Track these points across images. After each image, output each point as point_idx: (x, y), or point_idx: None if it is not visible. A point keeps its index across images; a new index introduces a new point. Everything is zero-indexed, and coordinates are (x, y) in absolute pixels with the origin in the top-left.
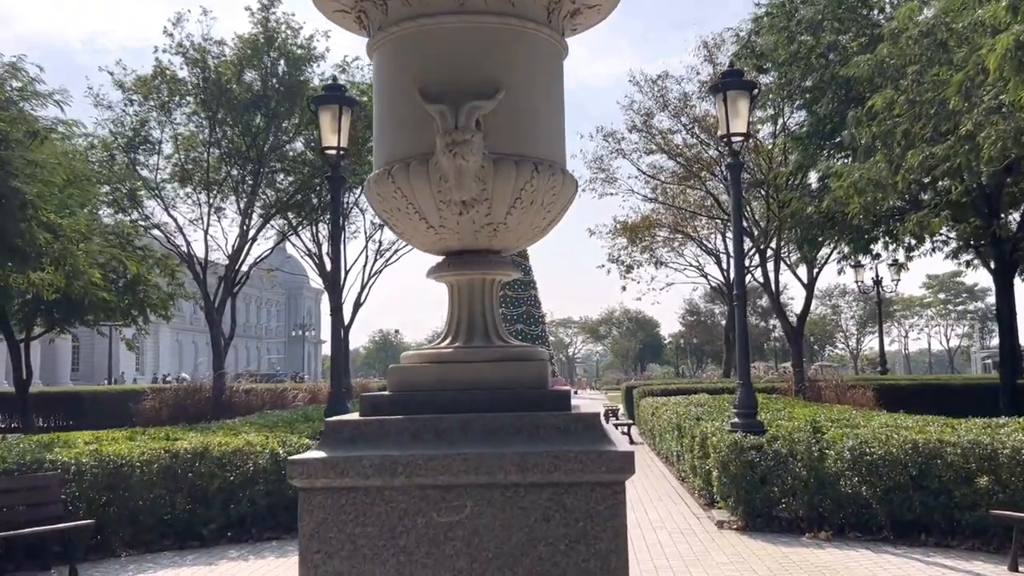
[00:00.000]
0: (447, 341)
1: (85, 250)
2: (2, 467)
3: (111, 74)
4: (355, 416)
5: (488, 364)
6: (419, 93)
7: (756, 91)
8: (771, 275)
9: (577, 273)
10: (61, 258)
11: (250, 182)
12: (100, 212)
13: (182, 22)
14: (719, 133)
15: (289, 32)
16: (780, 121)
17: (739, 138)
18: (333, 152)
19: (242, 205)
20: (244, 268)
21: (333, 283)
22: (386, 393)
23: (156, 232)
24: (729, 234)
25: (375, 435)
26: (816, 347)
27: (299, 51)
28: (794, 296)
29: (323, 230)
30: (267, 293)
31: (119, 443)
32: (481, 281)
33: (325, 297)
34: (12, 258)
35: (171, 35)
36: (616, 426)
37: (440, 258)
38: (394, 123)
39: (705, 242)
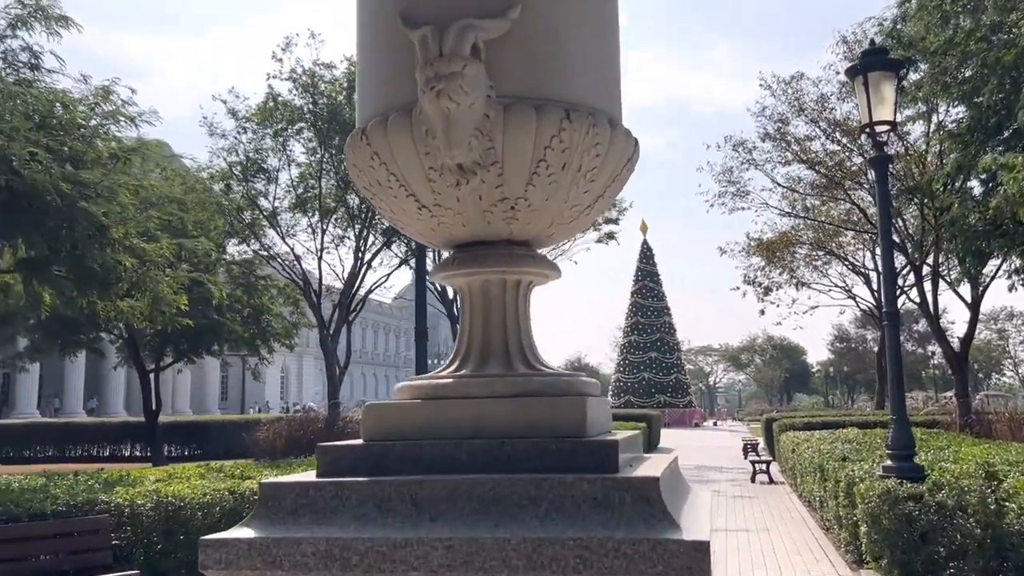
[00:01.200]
0: (452, 367)
1: (172, 276)
2: (52, 508)
3: (224, 102)
4: (304, 476)
5: (499, 401)
6: (401, 18)
7: (904, 72)
8: (928, 295)
9: (711, 297)
10: (140, 284)
11: (365, 207)
12: (225, 242)
13: (291, 47)
14: (861, 123)
15: None
16: (934, 119)
17: (884, 127)
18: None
19: (357, 230)
20: (361, 294)
21: (419, 306)
22: (356, 443)
23: (276, 262)
24: (879, 250)
25: (327, 506)
26: (980, 375)
27: None
28: (955, 319)
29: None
30: (403, 322)
31: (183, 482)
32: (501, 283)
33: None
34: (92, 285)
35: (280, 60)
36: (754, 463)
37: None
38: (374, 67)
39: (852, 260)
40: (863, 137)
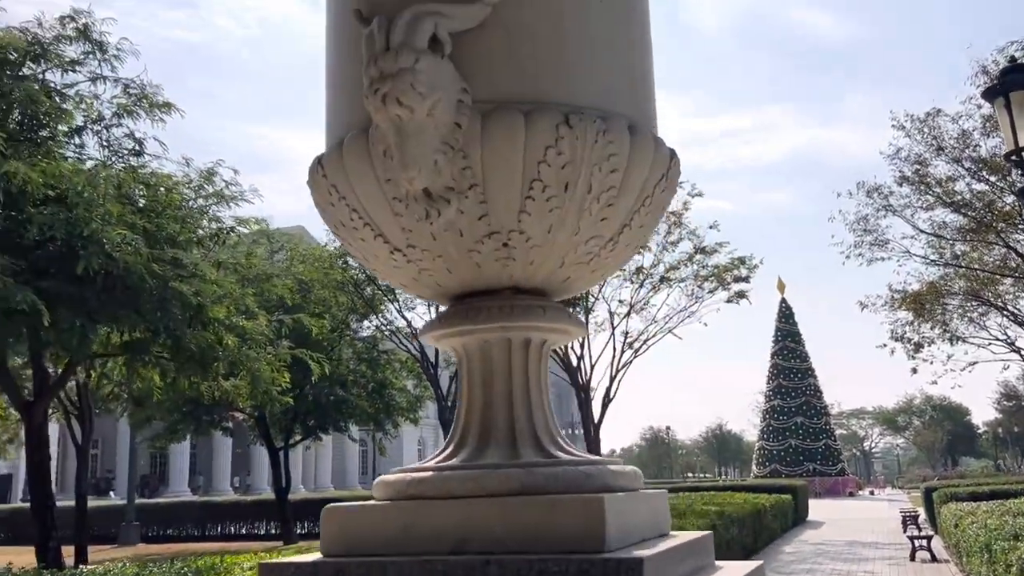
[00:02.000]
0: (443, 453)
1: (274, 354)
2: None
3: None
4: None
5: (490, 502)
6: (355, 14)
7: None
8: None
9: (857, 355)
10: (237, 363)
11: None
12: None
13: None
14: (1004, 151)
15: None
16: None
17: None
18: None
19: None
20: None
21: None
22: (307, 560)
23: (396, 336)
24: None
25: None
26: None
27: None
28: None
29: None
30: None
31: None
32: (503, 343)
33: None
34: (192, 365)
35: None
36: (913, 539)
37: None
38: (336, 82)
39: (1012, 309)
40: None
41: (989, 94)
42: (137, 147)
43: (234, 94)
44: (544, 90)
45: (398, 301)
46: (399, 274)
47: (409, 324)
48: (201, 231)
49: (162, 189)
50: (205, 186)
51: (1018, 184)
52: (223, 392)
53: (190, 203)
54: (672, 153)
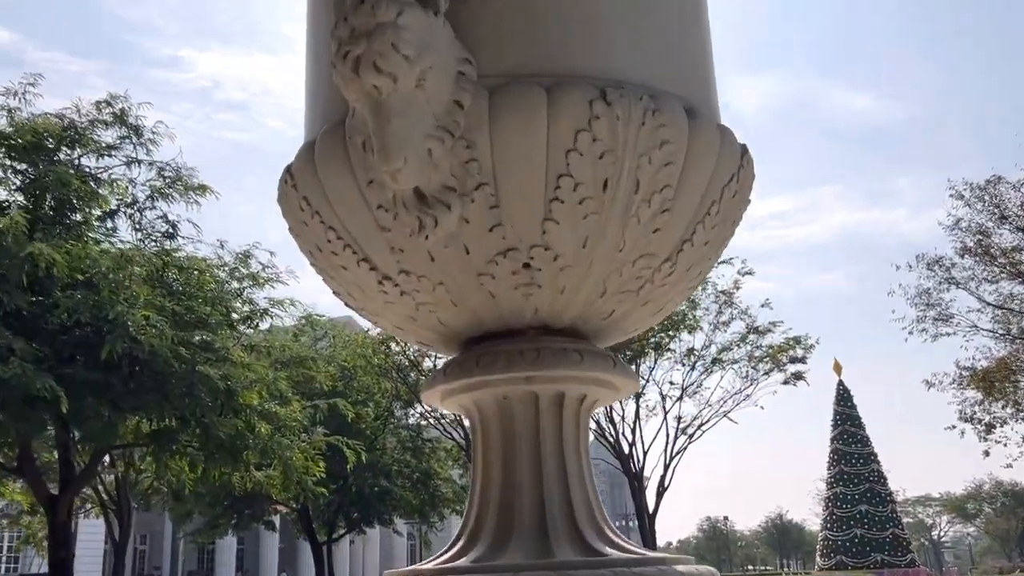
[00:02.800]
0: (451, 552)
1: (309, 442)
2: None
3: None
4: None
5: None
6: None
7: None
8: None
9: (922, 437)
10: (268, 451)
11: None
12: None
13: None
14: None
15: None
16: None
17: None
18: None
19: None
20: None
21: None
22: None
23: (439, 424)
24: None
25: None
26: None
27: None
28: None
29: (618, 406)
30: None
31: None
32: (529, 399)
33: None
34: (221, 454)
35: None
36: None
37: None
38: (311, 80)
39: None
40: None
41: None
42: (171, 230)
43: None
44: (571, 61)
45: None
46: (392, 312)
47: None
48: (235, 314)
49: (195, 271)
50: (240, 268)
51: None
52: (255, 483)
53: (224, 285)
54: (744, 149)
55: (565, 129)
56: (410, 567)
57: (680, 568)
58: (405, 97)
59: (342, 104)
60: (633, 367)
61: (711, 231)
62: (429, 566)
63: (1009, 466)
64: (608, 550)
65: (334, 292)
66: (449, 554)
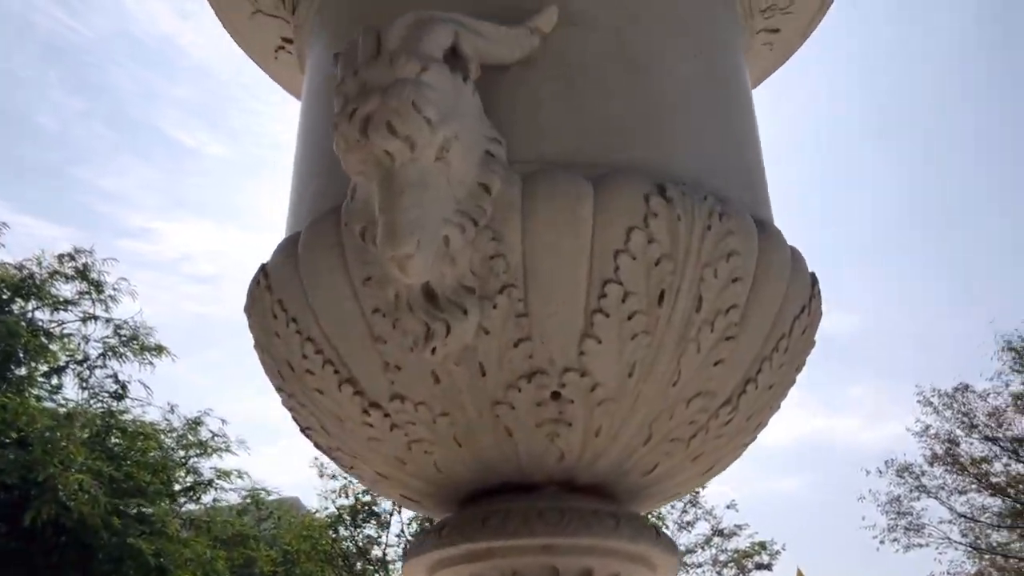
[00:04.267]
0: None
1: None
2: None
3: None
4: None
5: None
6: (335, 60)
7: None
8: None
9: None
10: None
11: None
12: None
13: None
14: None
15: None
16: None
17: None
18: None
19: None
20: None
21: None
22: None
23: None
24: None
25: None
26: None
27: None
28: None
29: None
30: None
31: None
32: (546, 571)
33: None
34: None
35: None
36: None
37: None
38: (299, 173)
39: None
40: None
41: None
42: (120, 390)
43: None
44: (620, 152)
45: None
46: (377, 453)
47: None
48: (177, 484)
49: (140, 436)
50: (188, 436)
51: None
52: None
53: (169, 453)
54: (814, 278)
55: (616, 226)
56: None
57: None
58: (423, 169)
59: (338, 188)
60: None
61: (777, 371)
62: None
63: None
64: None
65: (303, 429)
66: None
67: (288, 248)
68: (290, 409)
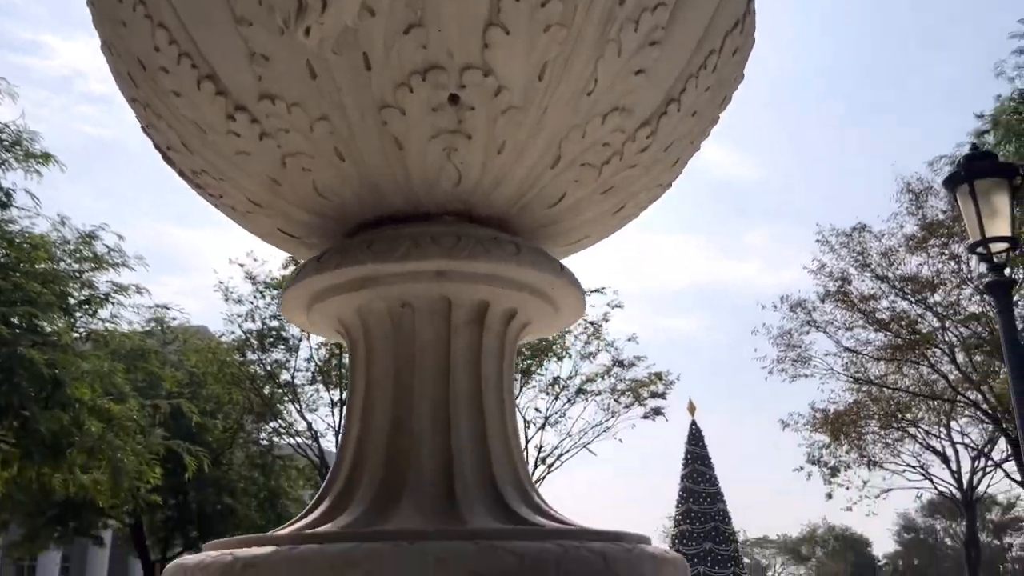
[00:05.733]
0: (314, 514)
1: (144, 444)
2: None
3: (241, 266)
4: None
5: None
6: None
7: (1019, 180)
8: None
9: (767, 480)
10: (97, 452)
11: None
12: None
13: None
14: (971, 241)
15: None
16: None
17: (1001, 245)
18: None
19: None
20: None
21: None
22: None
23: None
24: (957, 424)
25: None
26: None
27: None
28: None
29: None
30: None
31: None
32: (438, 307)
33: None
34: (41, 452)
35: None
36: None
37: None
38: None
39: (927, 437)
40: (973, 262)
41: (951, 182)
42: (3, 198)
43: (151, 194)
44: None
45: (299, 401)
46: (245, 171)
47: (310, 427)
48: (71, 298)
49: (28, 246)
50: (82, 249)
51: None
52: (79, 487)
53: (60, 263)
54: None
55: None
56: (250, 535)
57: (648, 548)
58: None
59: None
60: None
61: (703, 96)
62: (280, 532)
63: (849, 509)
64: (539, 519)
65: (164, 153)
66: (306, 520)
67: None
68: (146, 127)
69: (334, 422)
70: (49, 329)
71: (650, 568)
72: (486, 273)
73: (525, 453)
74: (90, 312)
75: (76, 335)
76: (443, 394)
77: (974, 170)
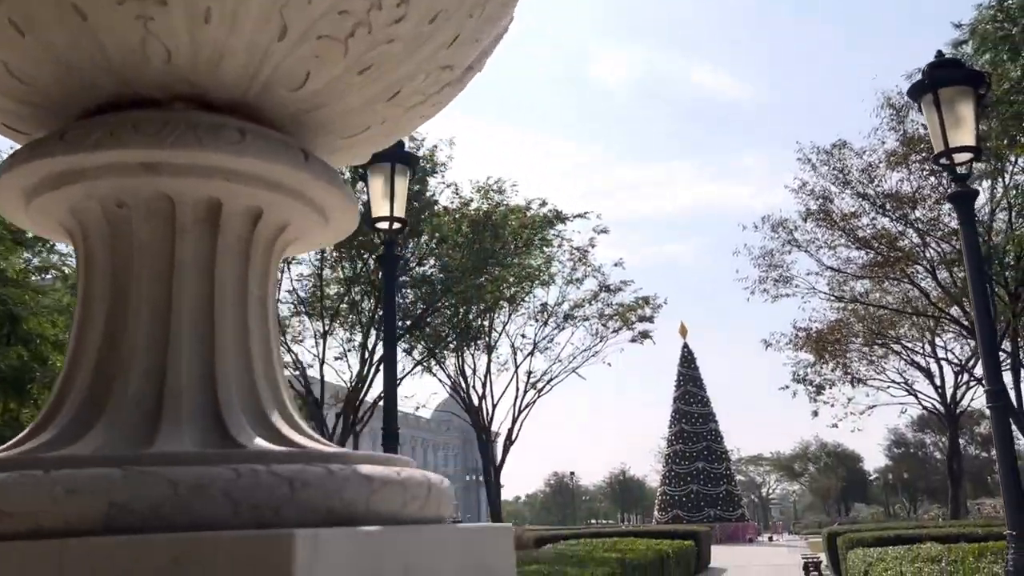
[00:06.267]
0: (25, 432)
1: None
2: None
3: None
4: None
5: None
6: None
7: (985, 89)
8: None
9: (759, 399)
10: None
11: (368, 306)
12: None
13: None
14: (934, 152)
15: (411, 146)
16: (1004, 180)
17: (965, 155)
18: (385, 225)
19: (362, 331)
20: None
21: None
22: None
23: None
24: (940, 340)
25: None
26: None
27: (423, 164)
28: None
29: (470, 360)
30: (442, 437)
31: None
32: (159, 208)
33: (501, 441)
34: (4, 388)
35: None
36: None
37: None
38: None
39: (910, 349)
40: (940, 168)
41: (916, 91)
42: None
43: None
44: None
45: (283, 333)
46: None
47: (296, 359)
48: (25, 233)
49: None
50: None
51: (918, 220)
52: None
53: None
54: None
55: None
56: None
57: (361, 469)
58: None
59: None
60: (486, 322)
61: None
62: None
63: (834, 426)
64: (261, 442)
65: None
66: (15, 439)
67: None
68: None
69: (319, 353)
70: (3, 266)
71: (356, 493)
72: (206, 165)
73: (515, 378)
74: (48, 247)
75: (30, 268)
76: (164, 302)
77: (938, 79)
